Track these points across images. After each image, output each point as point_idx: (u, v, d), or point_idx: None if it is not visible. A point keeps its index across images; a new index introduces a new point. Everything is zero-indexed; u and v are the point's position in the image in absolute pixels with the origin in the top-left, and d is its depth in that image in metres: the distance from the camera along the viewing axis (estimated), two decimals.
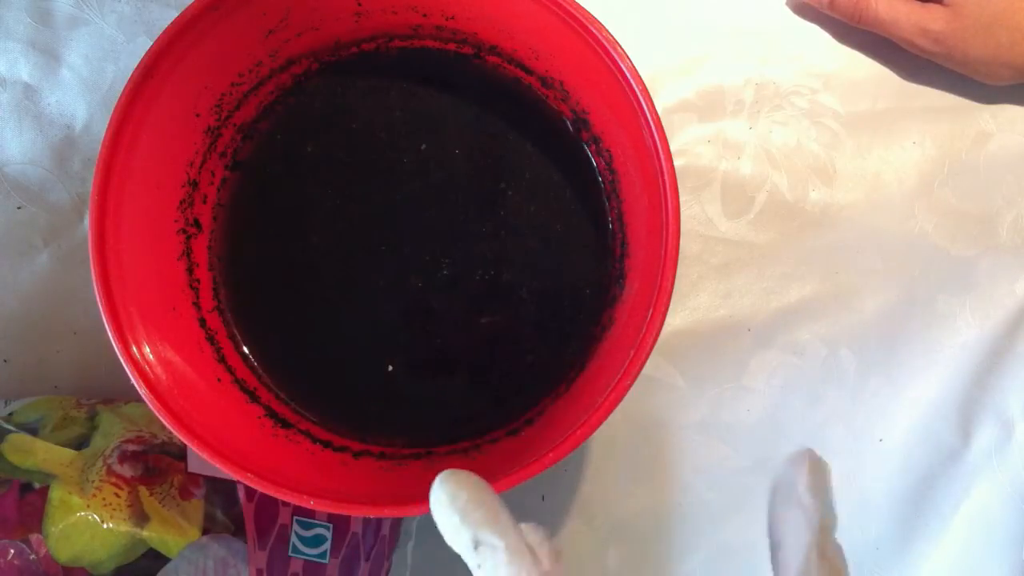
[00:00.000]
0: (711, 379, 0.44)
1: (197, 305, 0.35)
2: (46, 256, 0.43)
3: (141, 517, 0.34)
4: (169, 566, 0.34)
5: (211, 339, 0.35)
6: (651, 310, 0.29)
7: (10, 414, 0.38)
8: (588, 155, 0.36)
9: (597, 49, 0.31)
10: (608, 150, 0.35)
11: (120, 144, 0.31)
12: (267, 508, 0.35)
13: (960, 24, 0.41)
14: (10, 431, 0.36)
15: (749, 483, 0.43)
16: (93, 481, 0.34)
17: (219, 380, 0.34)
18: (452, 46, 0.36)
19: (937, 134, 0.45)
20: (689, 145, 0.44)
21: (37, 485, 0.34)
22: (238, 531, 0.35)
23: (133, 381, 0.30)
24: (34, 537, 0.33)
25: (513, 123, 0.37)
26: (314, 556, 0.36)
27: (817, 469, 0.24)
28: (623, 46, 0.30)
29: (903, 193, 0.44)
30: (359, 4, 0.34)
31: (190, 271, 0.35)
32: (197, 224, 0.35)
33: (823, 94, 0.45)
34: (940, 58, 0.43)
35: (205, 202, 0.36)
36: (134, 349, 0.30)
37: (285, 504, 0.36)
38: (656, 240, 0.30)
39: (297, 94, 0.37)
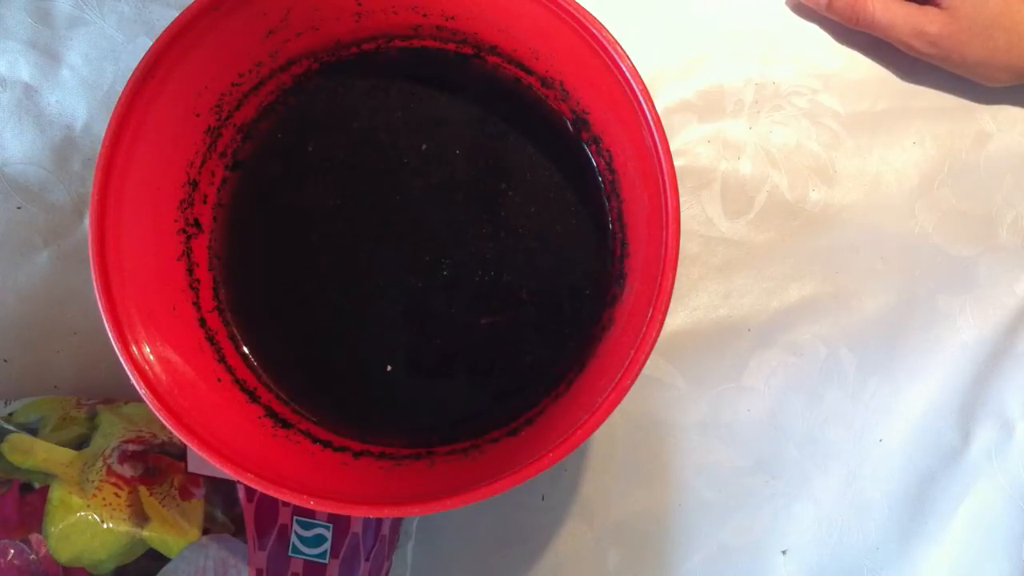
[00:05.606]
0: (711, 379, 0.44)
1: (197, 305, 0.35)
2: (46, 256, 0.43)
3: (141, 517, 0.34)
4: (169, 566, 0.34)
5: (211, 339, 0.35)
6: (651, 310, 0.29)
7: (10, 414, 0.38)
8: (588, 155, 0.36)
9: (597, 49, 0.31)
10: (608, 150, 0.35)
11: (120, 144, 0.31)
12: (267, 508, 0.35)
13: (957, 27, 0.41)
14: (10, 431, 0.36)
15: (749, 483, 0.43)
16: (93, 481, 0.34)
17: (219, 380, 0.34)
18: (452, 46, 0.36)
19: (937, 134, 0.45)
20: (689, 145, 0.44)
21: (37, 485, 0.34)
22: (238, 531, 0.35)
23: (133, 381, 0.30)
24: (34, 537, 0.33)
25: (513, 123, 0.37)
26: (314, 556, 0.36)
27: None
28: (623, 46, 0.30)
29: (903, 193, 0.44)
30: (359, 4, 0.34)
31: (190, 271, 0.35)
32: (197, 224, 0.35)
33: (823, 94, 0.45)
34: (937, 60, 0.43)
35: (205, 202, 0.36)
36: (134, 349, 0.30)
37: (285, 504, 0.36)
38: (656, 240, 0.30)
39: (297, 94, 0.37)
